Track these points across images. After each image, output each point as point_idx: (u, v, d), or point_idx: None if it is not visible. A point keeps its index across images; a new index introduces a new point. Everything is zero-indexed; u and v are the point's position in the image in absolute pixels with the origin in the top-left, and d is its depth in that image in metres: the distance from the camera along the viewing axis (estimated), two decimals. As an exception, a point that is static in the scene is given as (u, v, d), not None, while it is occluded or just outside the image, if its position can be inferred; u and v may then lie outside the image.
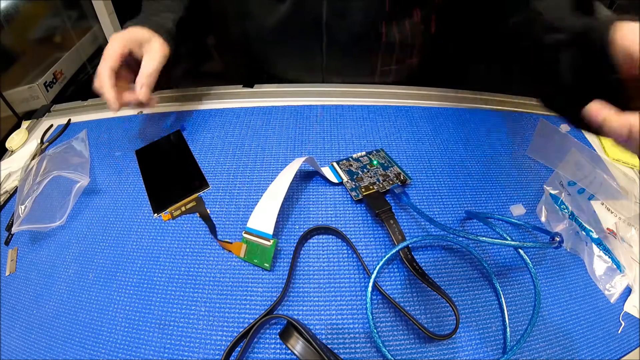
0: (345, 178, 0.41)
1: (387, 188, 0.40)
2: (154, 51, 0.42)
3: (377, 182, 0.40)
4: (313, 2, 0.49)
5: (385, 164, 0.43)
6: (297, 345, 0.25)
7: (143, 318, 0.32)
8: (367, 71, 0.58)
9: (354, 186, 0.40)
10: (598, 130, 0.28)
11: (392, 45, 0.54)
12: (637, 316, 0.33)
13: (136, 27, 0.43)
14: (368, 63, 0.57)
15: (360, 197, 0.39)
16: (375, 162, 0.43)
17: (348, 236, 0.36)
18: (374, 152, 0.45)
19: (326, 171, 0.42)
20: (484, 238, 0.30)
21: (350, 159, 0.44)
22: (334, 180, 0.41)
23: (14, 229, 0.37)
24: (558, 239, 0.33)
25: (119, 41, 0.41)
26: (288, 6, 0.50)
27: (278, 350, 0.30)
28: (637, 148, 0.26)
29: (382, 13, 0.50)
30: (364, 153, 0.45)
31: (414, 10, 0.52)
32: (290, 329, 0.26)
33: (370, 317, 0.29)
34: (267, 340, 0.30)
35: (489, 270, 0.34)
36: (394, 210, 0.36)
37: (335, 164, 0.43)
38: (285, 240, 0.36)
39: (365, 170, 0.42)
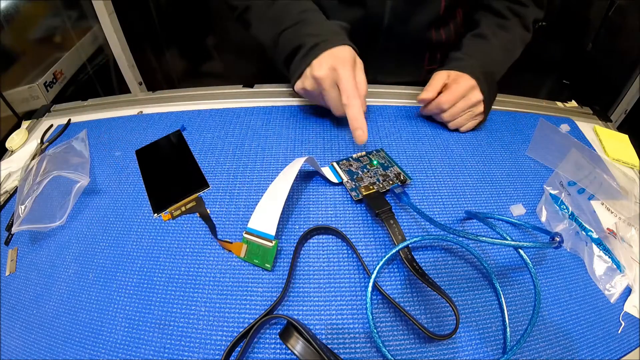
0: (345, 178, 0.41)
1: (387, 188, 0.40)
2: (362, 67, 0.44)
3: (377, 182, 0.40)
4: (377, 8, 0.53)
5: (385, 164, 0.43)
6: (297, 345, 0.25)
7: (143, 318, 0.32)
8: (415, 71, 0.63)
9: (354, 186, 0.40)
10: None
11: (439, 45, 0.59)
12: (637, 316, 0.33)
13: (340, 47, 0.43)
14: (416, 63, 0.62)
15: (360, 197, 0.39)
16: (375, 162, 0.43)
17: (348, 236, 0.36)
18: (374, 152, 0.45)
19: (326, 171, 0.42)
20: (483, 238, 0.30)
21: (350, 159, 0.44)
22: (334, 180, 0.41)
23: (14, 229, 0.37)
24: (558, 239, 0.33)
25: (350, 64, 0.42)
26: (355, 11, 0.53)
27: (278, 350, 0.30)
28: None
29: (437, 17, 0.55)
30: (364, 153, 0.45)
31: (458, 10, 0.58)
32: (290, 329, 0.26)
33: (370, 317, 0.29)
34: (267, 340, 0.30)
35: (489, 270, 0.34)
36: (394, 211, 0.36)
37: (335, 164, 0.43)
38: (285, 240, 0.36)
39: (365, 170, 0.42)
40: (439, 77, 0.47)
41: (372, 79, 0.59)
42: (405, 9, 0.53)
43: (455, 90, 0.46)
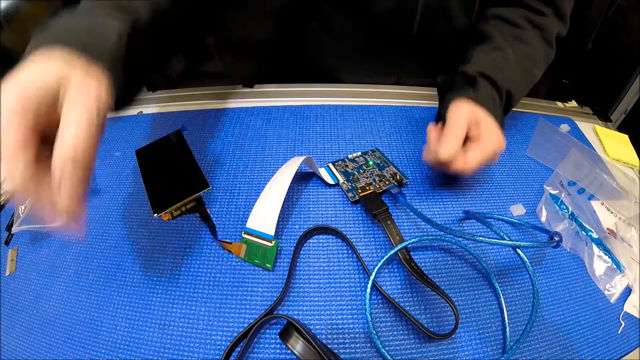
0: (341, 179, 0.41)
1: (384, 188, 0.40)
2: (78, 100, 0.22)
3: (374, 183, 0.40)
4: (408, 15, 0.49)
5: (381, 164, 0.43)
6: (297, 345, 0.25)
7: (143, 318, 0.32)
8: (437, 72, 0.57)
9: (350, 187, 0.40)
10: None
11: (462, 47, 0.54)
12: (637, 316, 0.33)
13: (44, 50, 0.24)
14: (439, 66, 0.57)
15: (357, 198, 0.39)
16: (371, 163, 0.43)
17: (347, 236, 0.36)
18: (370, 152, 0.45)
19: (322, 172, 0.42)
20: (481, 238, 0.30)
21: (345, 159, 0.44)
22: (330, 181, 0.41)
23: (14, 229, 0.37)
24: (557, 239, 0.32)
25: (26, 96, 0.21)
26: (382, 15, 0.50)
27: (278, 350, 0.30)
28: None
29: (465, 29, 0.51)
30: (359, 153, 0.45)
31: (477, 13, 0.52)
32: (290, 329, 0.26)
33: (369, 318, 0.29)
34: (267, 340, 0.30)
35: (488, 270, 0.34)
36: (391, 211, 0.36)
37: (331, 165, 0.43)
38: (285, 240, 0.36)
39: (361, 170, 0.42)
40: (461, 124, 0.37)
41: (395, 82, 0.58)
42: (434, 18, 0.49)
43: (484, 149, 0.36)
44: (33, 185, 0.21)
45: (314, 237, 0.37)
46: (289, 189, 0.36)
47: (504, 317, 0.32)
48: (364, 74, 0.58)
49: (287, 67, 0.62)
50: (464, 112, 0.38)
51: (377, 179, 0.41)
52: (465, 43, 0.50)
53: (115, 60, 0.26)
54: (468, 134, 0.37)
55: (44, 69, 0.22)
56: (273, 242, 0.34)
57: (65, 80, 0.22)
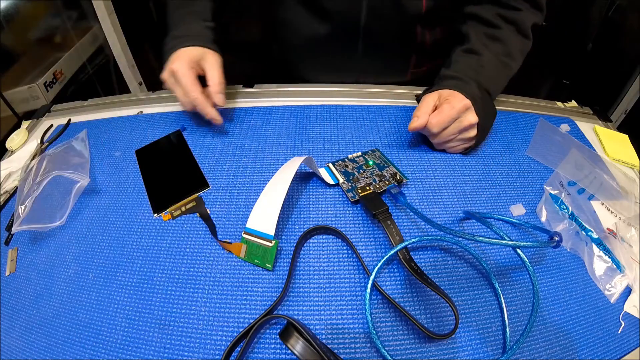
0: (341, 179, 0.41)
1: (384, 188, 0.40)
2: (213, 63, 0.46)
3: (374, 183, 0.40)
4: (354, 10, 0.51)
5: (381, 164, 0.43)
6: (297, 345, 0.25)
7: (143, 318, 0.32)
8: (401, 73, 0.60)
9: (350, 187, 0.40)
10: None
11: (425, 47, 0.56)
12: (637, 316, 0.33)
13: (187, 47, 0.47)
14: (402, 65, 0.59)
15: (357, 198, 0.39)
16: (371, 163, 0.43)
17: (348, 236, 0.36)
18: (370, 152, 0.45)
19: (322, 172, 0.42)
20: (481, 238, 0.30)
21: (345, 159, 0.44)
22: (330, 181, 0.41)
23: (14, 229, 0.37)
24: (557, 239, 0.32)
25: (186, 62, 0.45)
26: (330, 13, 0.51)
27: (278, 350, 0.30)
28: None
29: (420, 16, 0.52)
30: (359, 153, 0.45)
31: (447, 12, 0.53)
32: (290, 329, 0.26)
33: (369, 318, 0.29)
34: (267, 340, 0.30)
35: (488, 270, 0.34)
36: (391, 211, 0.36)
37: (331, 165, 0.43)
38: (285, 240, 0.36)
39: (361, 170, 0.42)
40: (429, 99, 0.43)
41: (354, 80, 0.59)
42: (383, 7, 0.50)
43: (446, 111, 0.41)
44: (202, 98, 0.44)
45: (314, 237, 0.37)
46: (289, 189, 0.36)
47: (504, 317, 0.32)
48: (326, 71, 0.59)
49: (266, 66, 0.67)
50: (434, 93, 0.44)
51: (377, 179, 0.41)
52: (424, 33, 0.54)
53: (213, 40, 0.50)
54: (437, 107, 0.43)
55: (192, 51, 0.47)
56: (273, 242, 0.34)
57: (202, 54, 0.47)
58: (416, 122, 0.41)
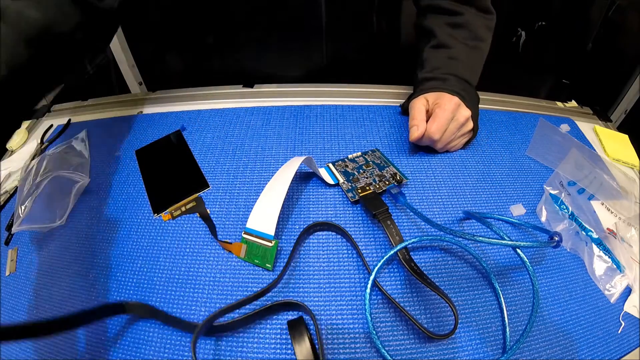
0: (341, 179, 0.41)
1: (384, 188, 0.40)
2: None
3: (374, 183, 0.40)
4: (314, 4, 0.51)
5: (381, 164, 0.43)
6: (301, 340, 0.26)
7: (143, 318, 0.32)
8: (363, 59, 0.60)
9: (350, 187, 0.40)
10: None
11: (383, 35, 0.56)
12: (637, 316, 0.33)
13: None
14: (362, 52, 0.59)
15: (357, 198, 0.39)
16: (371, 163, 0.43)
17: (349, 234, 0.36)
18: (370, 152, 0.45)
19: (322, 172, 0.42)
20: (481, 238, 0.30)
21: (345, 159, 0.44)
22: (330, 181, 0.41)
23: (14, 229, 0.37)
24: (557, 239, 0.32)
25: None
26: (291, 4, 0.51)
27: (278, 350, 0.30)
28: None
29: (372, 3, 0.52)
30: (359, 153, 0.45)
31: (403, 2, 0.54)
32: (300, 324, 0.27)
33: (369, 318, 0.29)
34: (268, 340, 0.30)
35: (488, 270, 0.34)
36: (391, 211, 0.36)
37: (330, 165, 0.43)
38: (285, 240, 0.36)
39: (361, 170, 0.42)
40: (419, 105, 0.44)
41: (321, 67, 0.59)
42: None
43: (441, 115, 0.41)
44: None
45: (314, 236, 0.37)
46: (289, 189, 0.36)
47: (504, 317, 0.32)
48: (289, 70, 0.60)
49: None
50: (421, 98, 0.45)
51: (377, 179, 0.41)
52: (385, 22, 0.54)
53: None
54: (430, 113, 0.44)
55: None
56: (273, 242, 0.34)
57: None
58: (417, 132, 0.42)
